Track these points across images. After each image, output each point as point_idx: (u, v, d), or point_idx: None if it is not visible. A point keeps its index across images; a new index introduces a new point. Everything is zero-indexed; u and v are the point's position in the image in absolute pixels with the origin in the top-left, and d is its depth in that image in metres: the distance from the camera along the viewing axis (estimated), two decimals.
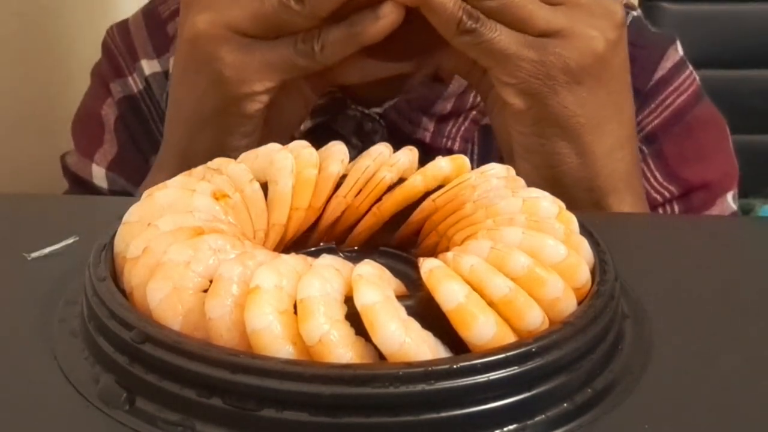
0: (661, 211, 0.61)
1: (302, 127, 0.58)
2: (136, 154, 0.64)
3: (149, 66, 0.65)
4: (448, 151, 0.57)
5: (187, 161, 0.49)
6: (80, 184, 0.65)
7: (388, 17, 0.43)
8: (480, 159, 0.58)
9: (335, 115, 0.58)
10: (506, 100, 0.45)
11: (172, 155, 0.51)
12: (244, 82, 0.46)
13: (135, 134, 0.65)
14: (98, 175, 0.64)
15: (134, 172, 0.63)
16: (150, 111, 0.65)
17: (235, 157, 0.48)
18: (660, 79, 0.61)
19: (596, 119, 0.46)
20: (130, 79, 0.65)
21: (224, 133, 0.48)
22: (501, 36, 0.43)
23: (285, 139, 0.49)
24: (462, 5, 0.42)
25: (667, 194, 0.61)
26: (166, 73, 0.64)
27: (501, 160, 0.57)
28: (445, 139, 0.58)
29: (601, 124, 0.46)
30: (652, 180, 0.61)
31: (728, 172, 0.63)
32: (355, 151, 0.57)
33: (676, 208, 0.61)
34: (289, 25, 0.44)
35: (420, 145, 0.56)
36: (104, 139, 0.65)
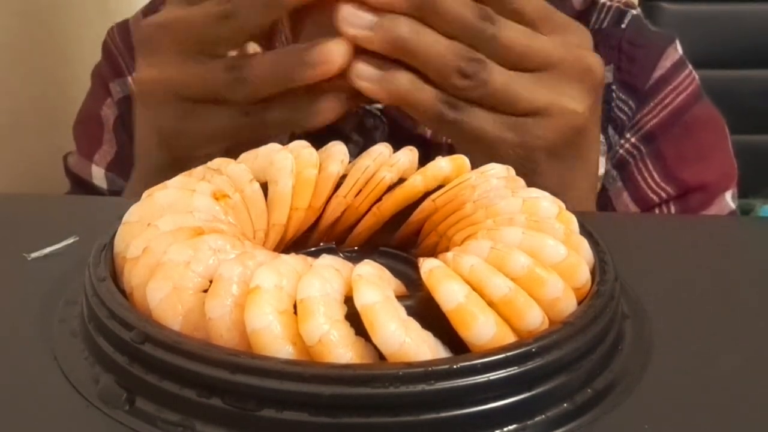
0: (657, 211, 0.61)
1: None
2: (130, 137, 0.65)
3: None
4: (449, 147, 0.57)
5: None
6: (81, 185, 0.65)
7: (326, 114, 0.43)
8: None
9: None
10: None
11: (141, 184, 0.51)
12: (187, 149, 0.45)
13: (129, 125, 0.65)
14: (98, 175, 0.64)
15: None
16: None
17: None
18: (659, 78, 0.61)
19: (567, 184, 0.45)
20: (129, 79, 0.65)
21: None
22: (482, 122, 0.41)
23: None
24: (441, 97, 0.41)
25: (663, 195, 0.61)
26: None
27: None
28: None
29: (571, 186, 0.45)
30: (649, 180, 0.61)
31: (726, 172, 0.63)
32: (357, 148, 0.57)
33: (673, 209, 0.61)
34: (230, 96, 0.43)
35: (421, 140, 0.56)
36: (103, 139, 0.65)
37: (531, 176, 0.42)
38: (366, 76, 0.40)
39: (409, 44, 0.39)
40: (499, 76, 0.40)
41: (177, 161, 0.45)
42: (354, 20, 0.39)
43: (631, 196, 0.61)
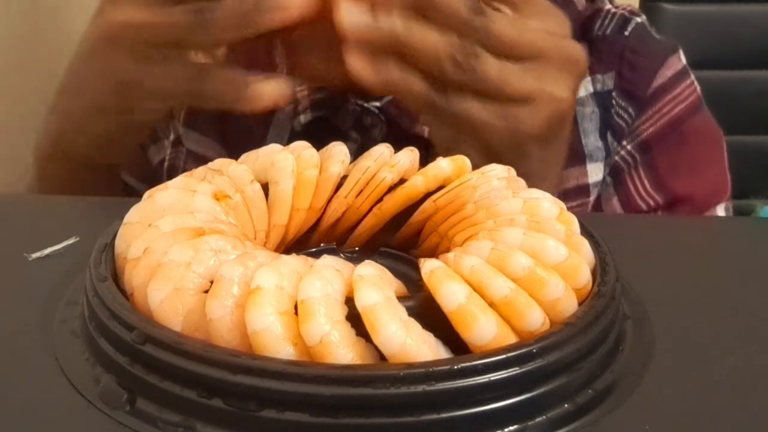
0: None
1: (302, 120, 0.58)
2: None
3: None
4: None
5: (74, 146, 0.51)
6: None
7: (265, 96, 0.44)
8: None
9: (335, 109, 0.58)
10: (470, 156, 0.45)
11: (73, 118, 0.52)
12: (138, 99, 0.47)
13: None
14: None
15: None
16: None
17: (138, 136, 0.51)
18: (659, 87, 0.61)
19: (545, 171, 0.46)
20: None
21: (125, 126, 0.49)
22: (471, 108, 0.42)
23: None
24: (432, 84, 0.42)
25: (652, 203, 0.61)
26: None
27: None
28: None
29: (548, 174, 0.47)
30: (639, 187, 0.61)
31: (718, 187, 0.63)
32: (355, 145, 0.57)
33: None
34: (193, 40, 0.45)
35: (419, 139, 0.56)
36: None
37: (518, 162, 0.43)
38: (361, 65, 0.42)
39: (404, 41, 0.41)
40: (492, 66, 0.42)
41: (125, 109, 0.48)
42: (352, 19, 0.41)
43: (621, 202, 0.62)
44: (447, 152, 0.48)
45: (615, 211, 0.61)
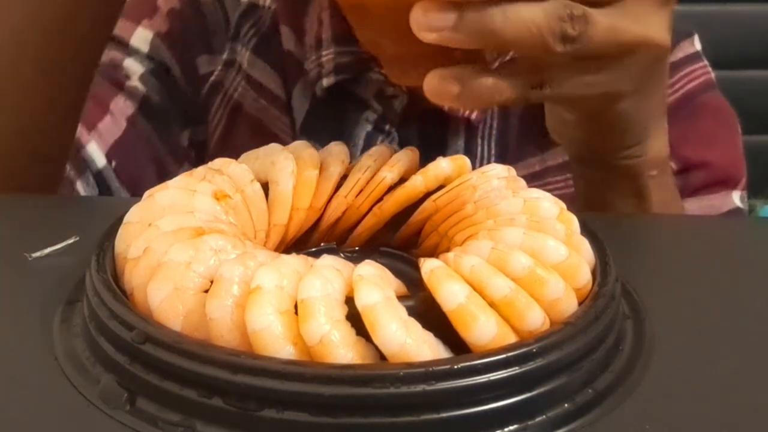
0: None
1: (324, 84, 0.58)
2: (186, 29, 0.63)
3: None
4: (466, 121, 0.57)
5: None
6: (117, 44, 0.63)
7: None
8: (499, 131, 0.58)
9: (357, 77, 0.58)
10: (563, 115, 0.43)
11: None
12: None
13: (187, 20, 0.64)
14: (142, 36, 0.62)
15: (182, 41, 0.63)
16: (212, 12, 0.64)
17: None
18: (671, 64, 0.62)
19: (645, 121, 0.44)
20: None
21: None
22: (569, 89, 0.38)
23: None
24: (524, 83, 0.36)
25: None
26: None
27: (518, 131, 0.56)
28: (462, 109, 0.58)
29: (649, 124, 0.44)
30: None
31: (733, 162, 0.63)
32: (375, 115, 0.57)
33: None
34: None
35: (438, 113, 0.56)
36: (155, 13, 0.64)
37: (615, 117, 0.41)
38: (443, 93, 0.36)
39: (503, 34, 0.33)
40: (600, 25, 0.36)
41: None
42: (432, 23, 0.33)
43: None
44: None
45: None
